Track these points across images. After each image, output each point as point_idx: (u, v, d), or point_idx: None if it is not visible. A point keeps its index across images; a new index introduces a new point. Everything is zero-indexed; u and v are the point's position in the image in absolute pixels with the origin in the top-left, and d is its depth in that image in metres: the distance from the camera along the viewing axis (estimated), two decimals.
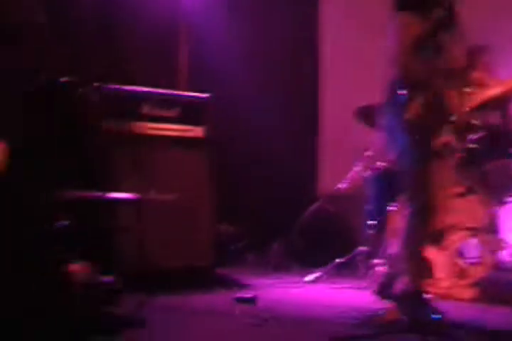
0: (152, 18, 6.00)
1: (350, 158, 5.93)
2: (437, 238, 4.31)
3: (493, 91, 4.76)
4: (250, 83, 6.39)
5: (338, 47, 6.94)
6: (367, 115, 5.30)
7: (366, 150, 5.69)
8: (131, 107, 4.71)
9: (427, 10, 3.61)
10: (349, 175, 5.85)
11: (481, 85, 4.92)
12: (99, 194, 3.83)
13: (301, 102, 7.06)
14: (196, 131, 4.98)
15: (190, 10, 6.36)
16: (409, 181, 3.75)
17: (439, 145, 3.54)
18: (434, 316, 3.60)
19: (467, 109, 4.28)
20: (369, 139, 5.59)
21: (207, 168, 4.95)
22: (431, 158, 3.56)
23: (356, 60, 6.58)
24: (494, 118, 5.65)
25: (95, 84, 4.34)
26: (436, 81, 3.53)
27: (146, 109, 4.75)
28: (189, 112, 4.94)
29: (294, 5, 7.07)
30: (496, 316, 3.94)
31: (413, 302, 3.55)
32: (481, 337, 3.45)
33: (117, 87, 4.69)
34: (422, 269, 3.44)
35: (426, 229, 3.69)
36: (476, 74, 3.82)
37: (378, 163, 5.53)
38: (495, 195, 5.20)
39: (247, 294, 4.33)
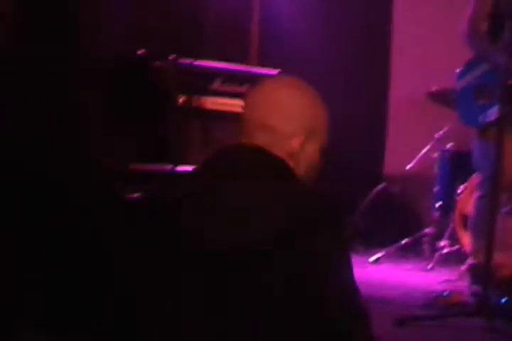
0: None
1: (420, 139, 5.88)
2: None
3: None
4: (321, 60, 6.36)
5: (412, 26, 6.84)
6: (443, 97, 5.22)
7: (436, 131, 5.61)
8: (203, 82, 4.73)
9: None
10: (418, 156, 5.79)
11: None
12: (170, 167, 3.87)
13: (372, 82, 6.99)
14: None
15: None
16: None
17: None
18: (502, 299, 3.57)
19: None
20: (439, 121, 5.54)
21: None
22: None
23: (430, 40, 6.49)
24: None
25: (171, 57, 4.36)
26: None
27: (217, 84, 4.77)
28: None
29: None
30: None
31: (482, 282, 3.51)
32: None
33: (190, 61, 4.71)
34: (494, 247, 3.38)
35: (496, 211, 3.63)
36: None
37: (448, 145, 5.48)
38: None
39: None
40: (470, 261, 3.86)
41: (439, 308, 3.58)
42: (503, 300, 3.63)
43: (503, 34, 3.65)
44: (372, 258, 5.29)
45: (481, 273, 3.61)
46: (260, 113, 1.81)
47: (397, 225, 5.97)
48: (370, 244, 5.75)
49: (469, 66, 3.79)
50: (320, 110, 1.88)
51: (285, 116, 1.80)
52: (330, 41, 6.59)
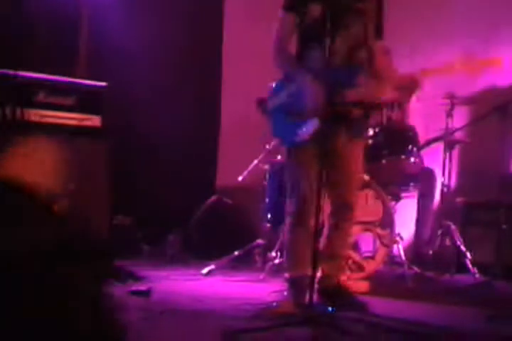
0: (53, 5, 5.85)
1: (251, 151, 5.93)
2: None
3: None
4: (151, 73, 6.32)
5: (239, 38, 6.94)
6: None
7: (266, 143, 5.68)
8: (27, 94, 4.58)
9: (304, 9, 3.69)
10: (249, 168, 5.84)
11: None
12: None
13: (204, 94, 7.03)
14: (93, 120, 4.89)
15: None
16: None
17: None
18: (327, 309, 3.65)
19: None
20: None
21: (104, 157, 4.87)
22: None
23: (256, 51, 6.60)
24: (392, 114, 5.78)
25: None
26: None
27: (41, 97, 4.62)
28: (86, 101, 4.84)
29: None
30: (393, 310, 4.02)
31: (305, 293, 3.58)
32: (378, 331, 3.49)
33: (13, 72, 4.55)
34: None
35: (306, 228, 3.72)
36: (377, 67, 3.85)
37: (278, 157, 5.55)
38: (389, 190, 5.32)
39: (142, 286, 4.28)
40: (286, 274, 3.92)
41: (267, 319, 3.60)
42: (329, 309, 3.72)
43: (308, 54, 3.75)
44: (205, 270, 5.28)
45: (300, 286, 3.69)
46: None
47: (230, 237, 6.00)
48: (203, 255, 5.75)
49: (279, 85, 3.84)
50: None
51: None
52: (160, 54, 6.57)
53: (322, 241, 3.86)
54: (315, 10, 3.69)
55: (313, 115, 3.57)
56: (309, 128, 3.61)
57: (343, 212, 3.89)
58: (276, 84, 3.87)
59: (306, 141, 3.66)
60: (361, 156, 3.93)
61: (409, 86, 4.04)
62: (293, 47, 3.85)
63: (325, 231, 3.94)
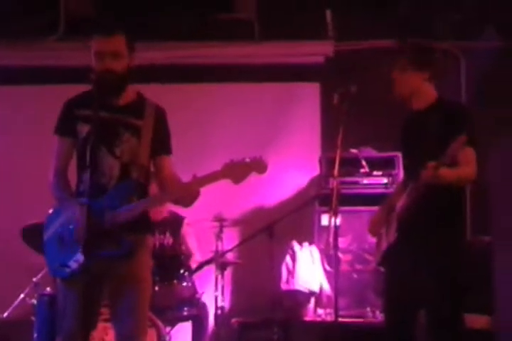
0: None
1: (19, 283, 5.64)
2: None
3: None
4: None
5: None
6: (32, 235, 5.04)
7: (35, 275, 5.44)
8: None
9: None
10: (14, 303, 5.55)
11: None
12: None
13: None
14: None
15: None
16: None
17: None
18: None
19: None
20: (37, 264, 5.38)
21: None
22: None
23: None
24: (164, 239, 5.80)
25: None
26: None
27: None
28: None
29: None
30: None
31: None
32: None
33: None
34: None
35: None
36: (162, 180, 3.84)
37: (47, 289, 5.32)
38: (164, 315, 5.24)
39: None
40: None
41: None
42: None
43: (82, 176, 3.64)
44: None
45: None
46: None
47: None
48: None
49: (54, 214, 3.70)
50: None
51: None
52: None
53: None
54: (83, 130, 3.63)
55: (80, 245, 3.44)
56: (79, 259, 3.46)
57: None
58: (51, 213, 3.71)
59: (76, 273, 3.49)
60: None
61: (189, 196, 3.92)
62: None
63: None
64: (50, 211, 3.72)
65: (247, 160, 3.44)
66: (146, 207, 3.64)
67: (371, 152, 6.24)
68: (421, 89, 3.99)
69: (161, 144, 3.74)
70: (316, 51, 6.83)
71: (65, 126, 3.71)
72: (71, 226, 3.53)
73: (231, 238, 6.07)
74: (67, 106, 3.74)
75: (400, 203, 3.96)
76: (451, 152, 3.56)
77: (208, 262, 5.63)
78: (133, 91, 3.76)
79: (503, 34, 6.48)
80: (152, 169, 3.78)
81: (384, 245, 4.07)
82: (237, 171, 3.43)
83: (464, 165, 3.77)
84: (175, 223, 5.92)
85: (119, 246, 3.54)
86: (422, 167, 3.67)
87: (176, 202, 3.72)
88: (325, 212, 5.91)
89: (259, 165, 3.44)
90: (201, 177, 3.46)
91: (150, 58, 6.43)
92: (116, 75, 3.56)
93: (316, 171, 6.47)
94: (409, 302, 3.91)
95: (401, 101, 4.06)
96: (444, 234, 3.83)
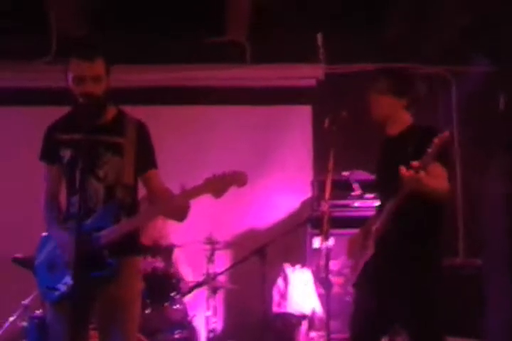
0: None
1: (9, 306, 5.60)
2: None
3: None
4: None
5: None
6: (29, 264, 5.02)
7: (24, 298, 5.40)
8: None
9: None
10: (5, 326, 5.50)
11: None
12: None
13: None
14: None
15: None
16: None
17: None
18: None
19: None
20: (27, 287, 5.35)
21: None
22: None
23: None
24: (156, 262, 5.78)
25: None
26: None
27: None
28: None
29: None
30: None
31: None
32: None
33: None
34: None
35: None
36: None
37: (37, 312, 5.28)
38: (156, 338, 5.22)
39: None
40: None
41: None
42: None
43: (70, 200, 3.66)
44: None
45: None
46: None
47: None
48: None
49: (45, 239, 3.70)
50: None
51: None
52: None
53: None
54: (66, 155, 3.64)
55: (68, 268, 3.44)
56: (67, 281, 3.47)
57: None
58: (43, 239, 3.71)
59: (65, 295, 3.50)
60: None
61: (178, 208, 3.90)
62: None
63: None
64: (44, 234, 3.73)
65: (227, 173, 3.46)
66: (135, 225, 3.62)
67: (363, 175, 6.25)
68: (397, 115, 3.97)
69: (146, 159, 3.72)
70: (307, 74, 6.89)
71: (49, 152, 3.72)
72: (60, 251, 3.53)
73: (223, 260, 6.06)
74: (48, 131, 3.74)
75: (377, 225, 3.93)
76: (433, 149, 3.51)
77: (199, 285, 5.62)
78: (113, 110, 3.73)
79: (492, 58, 6.53)
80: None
81: (360, 265, 4.06)
82: (218, 185, 3.43)
83: (436, 177, 3.72)
84: (166, 249, 5.90)
85: (103, 268, 3.53)
86: (394, 190, 3.66)
87: (168, 216, 3.71)
88: (317, 234, 5.91)
89: (239, 179, 3.45)
90: (184, 190, 3.46)
91: (142, 80, 6.47)
92: (97, 98, 3.54)
93: (308, 194, 6.48)
94: (378, 320, 3.85)
95: (376, 123, 4.05)
96: (415, 252, 3.78)
